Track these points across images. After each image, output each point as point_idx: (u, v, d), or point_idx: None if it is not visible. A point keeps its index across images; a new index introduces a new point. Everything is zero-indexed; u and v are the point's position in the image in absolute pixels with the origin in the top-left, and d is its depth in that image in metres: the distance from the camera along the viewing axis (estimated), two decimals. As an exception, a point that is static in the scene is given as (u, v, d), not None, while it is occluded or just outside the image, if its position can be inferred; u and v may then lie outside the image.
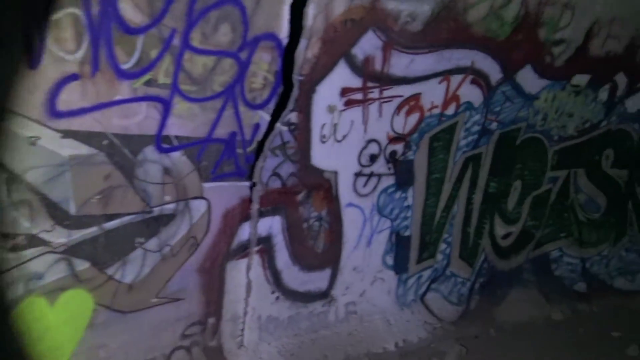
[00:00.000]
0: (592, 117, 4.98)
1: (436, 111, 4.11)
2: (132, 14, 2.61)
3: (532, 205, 5.08)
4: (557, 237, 5.41)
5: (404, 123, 4.00)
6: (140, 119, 2.86)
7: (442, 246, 4.71)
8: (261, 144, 3.42)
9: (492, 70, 4.17)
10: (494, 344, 4.56)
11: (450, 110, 4.17)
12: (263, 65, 3.20)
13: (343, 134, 3.73)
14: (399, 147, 4.08)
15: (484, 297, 5.07)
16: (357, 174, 3.96)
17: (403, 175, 4.20)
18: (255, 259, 3.67)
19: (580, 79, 4.66)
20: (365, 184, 4.03)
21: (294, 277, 3.91)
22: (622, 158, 5.43)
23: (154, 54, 2.76)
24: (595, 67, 4.65)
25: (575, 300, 5.45)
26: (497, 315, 5.00)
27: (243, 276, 3.66)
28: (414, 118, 4.02)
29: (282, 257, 3.81)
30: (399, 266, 4.49)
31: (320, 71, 3.39)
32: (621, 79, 4.91)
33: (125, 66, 2.70)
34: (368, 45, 3.48)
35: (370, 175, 4.03)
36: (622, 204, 5.68)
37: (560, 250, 5.48)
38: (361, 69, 3.55)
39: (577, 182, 5.29)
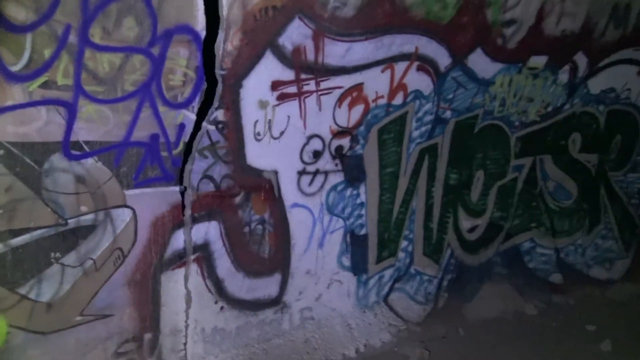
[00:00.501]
0: (553, 100, 4.74)
1: (382, 102, 3.89)
2: (14, 10, 2.40)
3: (498, 196, 4.85)
4: (527, 227, 5.17)
5: (348, 116, 3.78)
6: (41, 124, 2.65)
7: (404, 243, 4.49)
8: (189, 146, 3.22)
9: (439, 55, 3.94)
10: (461, 343, 4.34)
11: (398, 100, 3.96)
12: (181, 61, 2.98)
13: (280, 131, 3.51)
14: (344, 142, 3.86)
15: (452, 295, 4.84)
16: (301, 172, 3.74)
17: (352, 171, 3.98)
18: (193, 268, 3.46)
19: (537, 61, 4.43)
20: (310, 183, 3.81)
21: (239, 284, 3.69)
22: (590, 142, 5.19)
23: (47, 53, 2.55)
24: (552, 48, 4.41)
25: (551, 292, 5.24)
26: (467, 312, 4.78)
27: (181, 287, 3.45)
28: (358, 110, 3.81)
29: (224, 265, 3.59)
30: (357, 267, 4.28)
31: (244, 64, 3.17)
32: (581, 59, 4.65)
33: (15, 68, 2.49)
34: (296, 34, 3.26)
35: (316, 172, 3.81)
36: (594, 189, 5.44)
37: (532, 241, 5.25)
38: (291, 60, 3.33)
39: (544, 169, 5.06)
